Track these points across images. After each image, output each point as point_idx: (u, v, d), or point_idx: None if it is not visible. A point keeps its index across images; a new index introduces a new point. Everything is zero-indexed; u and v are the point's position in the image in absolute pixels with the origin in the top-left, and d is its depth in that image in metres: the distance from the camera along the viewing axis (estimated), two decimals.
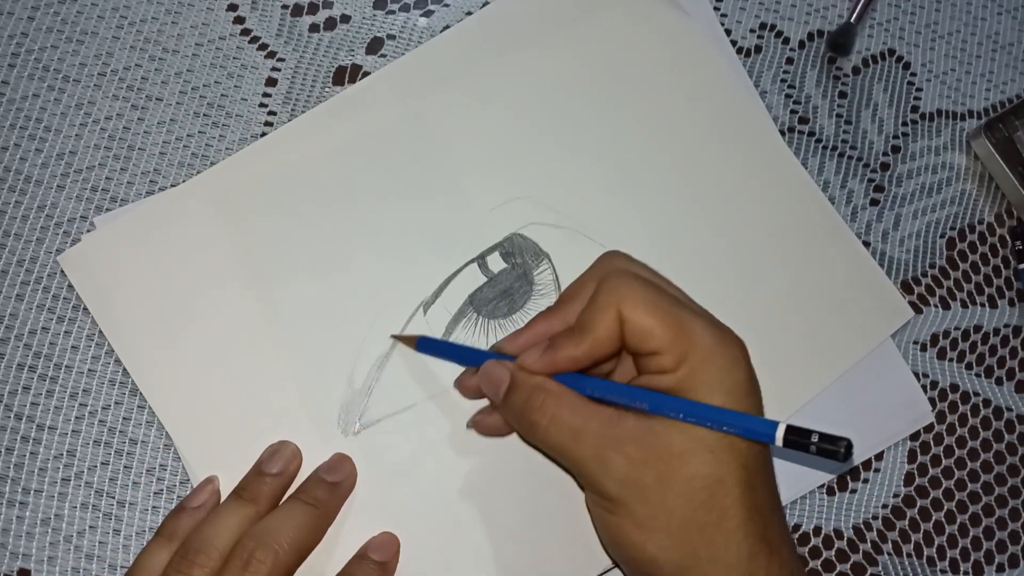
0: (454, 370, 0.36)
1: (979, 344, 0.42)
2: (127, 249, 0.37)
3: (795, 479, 0.38)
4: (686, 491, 0.28)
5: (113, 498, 0.35)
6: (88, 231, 0.37)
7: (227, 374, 0.36)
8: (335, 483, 0.34)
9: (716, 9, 0.44)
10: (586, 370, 0.32)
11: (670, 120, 0.41)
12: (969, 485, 0.40)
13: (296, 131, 0.39)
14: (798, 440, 0.27)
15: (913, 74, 0.45)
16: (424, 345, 0.36)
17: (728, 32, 0.44)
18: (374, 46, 0.42)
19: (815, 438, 0.27)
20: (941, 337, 0.42)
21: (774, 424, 0.27)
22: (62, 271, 0.37)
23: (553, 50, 0.41)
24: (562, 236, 0.39)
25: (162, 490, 0.36)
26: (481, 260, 0.38)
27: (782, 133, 0.43)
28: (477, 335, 0.37)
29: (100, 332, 0.36)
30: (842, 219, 0.41)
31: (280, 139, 0.39)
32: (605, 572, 0.35)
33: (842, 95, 0.44)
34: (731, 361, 0.30)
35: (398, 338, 0.37)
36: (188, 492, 0.34)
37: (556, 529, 0.35)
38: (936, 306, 0.42)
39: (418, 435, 0.36)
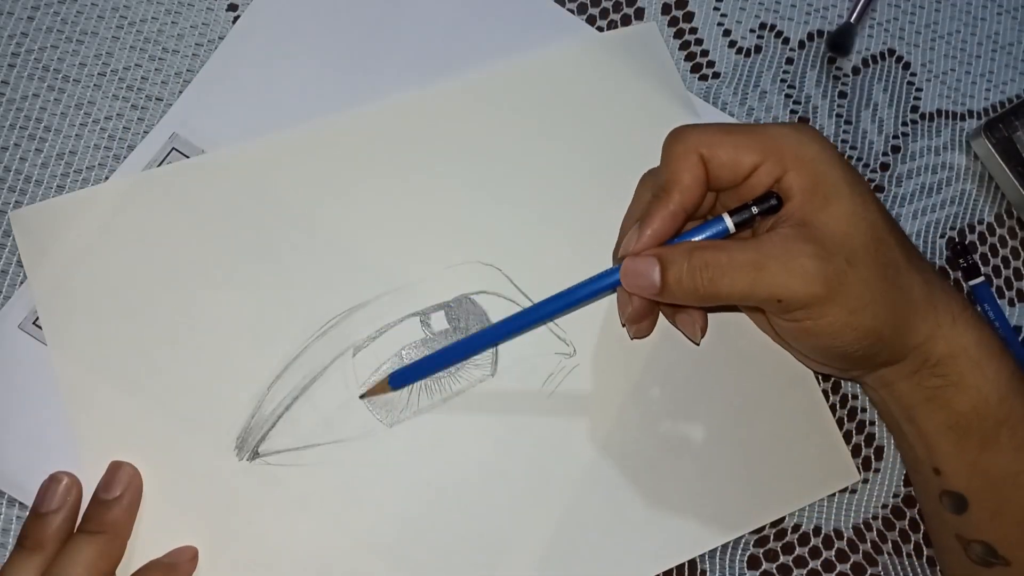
0: (364, 417, 0.36)
1: None
2: (73, 225, 0.36)
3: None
4: (868, 262, 0.31)
5: None
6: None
7: (144, 371, 0.35)
8: (117, 499, 0.33)
9: (716, 9, 0.44)
10: (682, 228, 0.33)
11: None
12: None
13: (274, 146, 0.38)
14: (742, 220, 0.32)
15: (913, 74, 0.45)
16: (397, 378, 0.35)
17: (728, 32, 0.44)
18: None
19: (753, 209, 0.32)
20: None
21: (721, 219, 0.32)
22: None
23: (553, 130, 0.40)
24: (513, 310, 0.37)
25: None
26: (424, 316, 0.37)
27: None
28: (400, 390, 0.36)
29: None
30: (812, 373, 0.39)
31: (238, 155, 0.38)
32: None
33: (842, 95, 0.44)
34: (820, 148, 0.32)
35: (370, 394, 0.36)
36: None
37: None
38: None
39: (316, 479, 0.35)
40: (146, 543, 0.34)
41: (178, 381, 0.35)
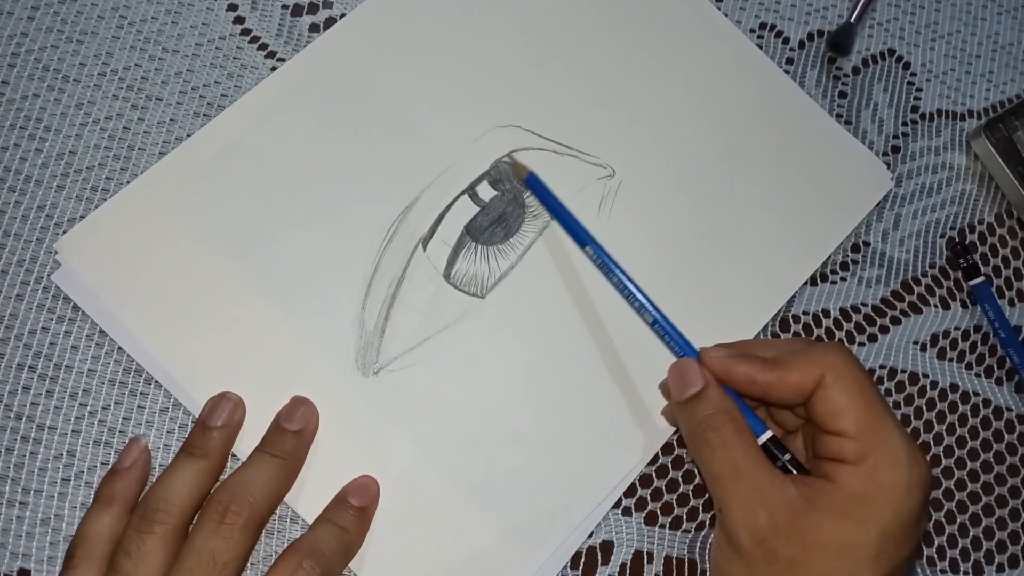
0: (458, 298, 0.38)
1: (979, 344, 0.42)
2: (117, 233, 0.37)
3: None
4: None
5: None
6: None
7: (238, 339, 0.36)
8: (297, 431, 0.34)
9: (716, 9, 0.44)
10: (754, 406, 0.33)
11: (635, 31, 0.43)
12: (969, 485, 0.40)
13: (265, 92, 0.39)
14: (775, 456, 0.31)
15: (913, 74, 0.45)
16: (532, 182, 0.38)
17: None
18: None
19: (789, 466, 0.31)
20: (941, 337, 0.42)
21: None
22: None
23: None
24: (546, 157, 0.40)
25: None
26: (471, 191, 0.39)
27: None
28: (478, 263, 0.38)
29: (100, 331, 0.36)
30: (813, 100, 0.43)
31: (251, 102, 0.39)
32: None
33: (842, 95, 0.44)
34: (914, 483, 0.29)
35: (513, 162, 0.38)
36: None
37: (587, 445, 0.37)
38: (936, 306, 0.42)
39: (439, 366, 0.37)
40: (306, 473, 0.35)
41: (281, 325, 0.37)
